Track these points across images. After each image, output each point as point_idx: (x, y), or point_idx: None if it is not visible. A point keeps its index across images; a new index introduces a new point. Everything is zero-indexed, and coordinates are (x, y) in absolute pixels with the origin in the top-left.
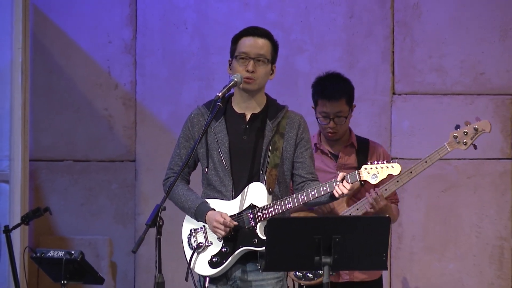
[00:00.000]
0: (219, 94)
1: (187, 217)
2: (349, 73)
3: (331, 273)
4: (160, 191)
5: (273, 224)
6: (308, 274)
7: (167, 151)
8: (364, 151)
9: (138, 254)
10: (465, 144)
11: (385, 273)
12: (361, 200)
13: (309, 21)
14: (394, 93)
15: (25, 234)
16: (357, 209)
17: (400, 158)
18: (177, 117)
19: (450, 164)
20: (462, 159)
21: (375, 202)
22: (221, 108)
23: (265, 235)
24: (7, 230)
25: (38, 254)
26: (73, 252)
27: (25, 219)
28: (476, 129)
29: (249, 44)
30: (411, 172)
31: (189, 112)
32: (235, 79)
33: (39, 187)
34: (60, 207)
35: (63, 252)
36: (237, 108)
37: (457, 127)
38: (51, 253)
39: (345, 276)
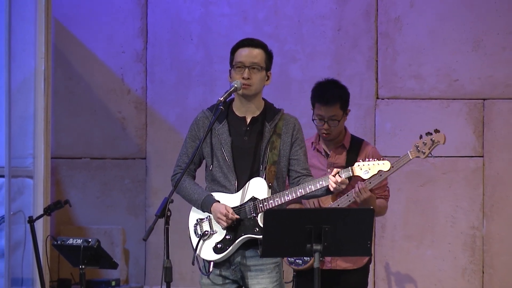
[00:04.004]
0: (221, 99)
1: (194, 208)
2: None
3: (320, 258)
4: (168, 186)
5: (269, 215)
6: (297, 260)
7: (174, 150)
8: (355, 151)
9: (148, 242)
10: (424, 153)
11: None
12: (342, 197)
13: (301, 33)
14: (377, 98)
15: (47, 224)
16: (338, 205)
17: (383, 156)
18: (184, 119)
19: (428, 161)
20: (438, 156)
21: (360, 193)
22: (223, 111)
23: (262, 224)
24: (31, 221)
25: (59, 242)
26: (90, 240)
27: (47, 211)
28: (433, 141)
29: (245, 54)
30: (380, 175)
31: (194, 114)
32: (235, 85)
33: (59, 182)
34: (78, 200)
35: (81, 240)
36: (238, 112)
37: (420, 137)
38: (70, 241)
39: (328, 264)
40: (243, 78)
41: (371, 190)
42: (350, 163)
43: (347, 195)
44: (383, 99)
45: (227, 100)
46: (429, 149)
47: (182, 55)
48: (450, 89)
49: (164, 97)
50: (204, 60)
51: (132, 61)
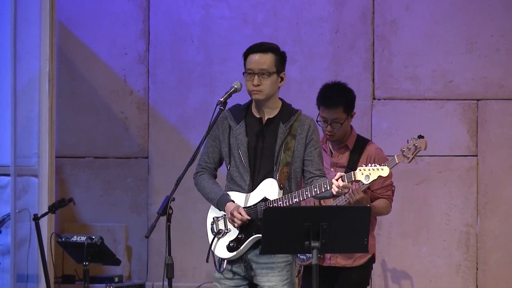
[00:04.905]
0: (221, 99)
1: (212, 207)
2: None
3: (319, 255)
4: (170, 184)
5: (268, 212)
6: (300, 256)
7: (176, 149)
8: (359, 152)
9: (150, 239)
10: (408, 158)
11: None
12: (340, 196)
13: (300, 36)
14: (374, 98)
15: (52, 222)
16: (336, 204)
17: None
18: (185, 119)
19: (423, 160)
20: (433, 156)
21: (353, 194)
22: (241, 111)
23: (262, 222)
24: (36, 218)
25: (63, 239)
26: (93, 237)
27: (52, 209)
28: (416, 146)
29: (253, 61)
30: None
31: (195, 115)
32: (235, 86)
33: (64, 181)
34: (82, 198)
35: (85, 237)
36: (256, 113)
37: (407, 141)
38: (74, 238)
39: (327, 261)
40: (253, 85)
41: (364, 191)
42: (352, 163)
43: (344, 196)
44: (379, 99)
45: (229, 101)
46: (412, 154)
47: (183, 56)
48: (445, 90)
49: (166, 98)
50: (205, 62)
51: (134, 62)
